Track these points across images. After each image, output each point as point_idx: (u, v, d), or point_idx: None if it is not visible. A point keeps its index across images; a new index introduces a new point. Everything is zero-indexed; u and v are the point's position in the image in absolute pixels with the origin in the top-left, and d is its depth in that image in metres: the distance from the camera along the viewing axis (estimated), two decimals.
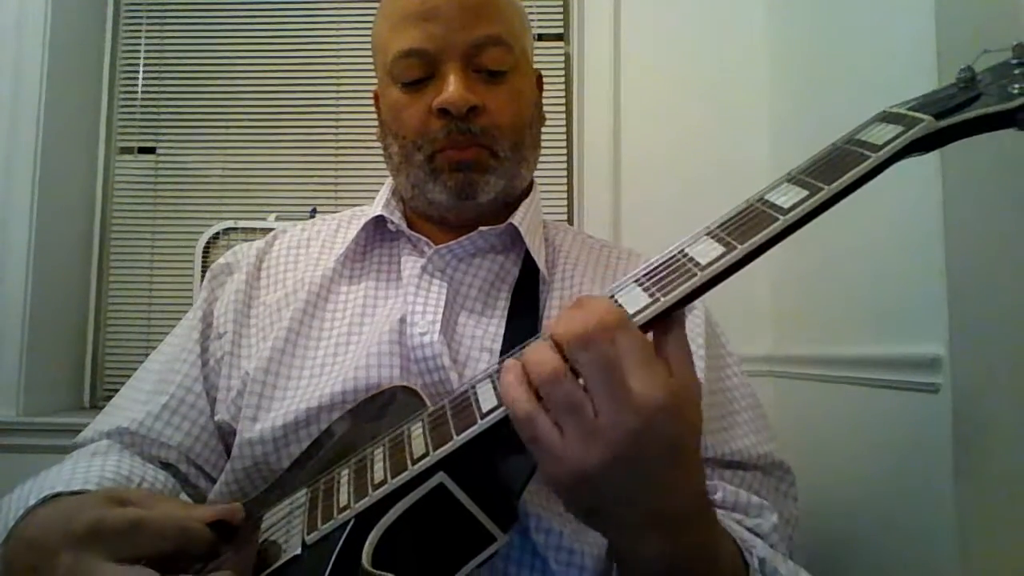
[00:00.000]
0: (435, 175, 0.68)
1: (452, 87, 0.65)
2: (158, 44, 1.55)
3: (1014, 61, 0.44)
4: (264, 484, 0.61)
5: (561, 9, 1.49)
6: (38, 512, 0.50)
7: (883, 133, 0.44)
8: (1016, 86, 0.43)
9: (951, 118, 0.43)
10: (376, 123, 0.78)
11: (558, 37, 1.49)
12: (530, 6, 1.47)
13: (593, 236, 0.83)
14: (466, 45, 0.67)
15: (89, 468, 0.59)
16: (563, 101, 1.47)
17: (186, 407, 0.68)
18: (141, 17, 1.56)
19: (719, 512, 0.56)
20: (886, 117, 0.46)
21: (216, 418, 0.68)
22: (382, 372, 0.62)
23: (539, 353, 0.41)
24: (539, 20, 1.49)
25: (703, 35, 1.37)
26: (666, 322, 0.42)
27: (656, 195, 1.34)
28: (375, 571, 0.41)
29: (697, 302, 0.72)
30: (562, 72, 1.48)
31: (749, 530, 0.58)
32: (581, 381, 0.40)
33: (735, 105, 1.34)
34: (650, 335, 0.43)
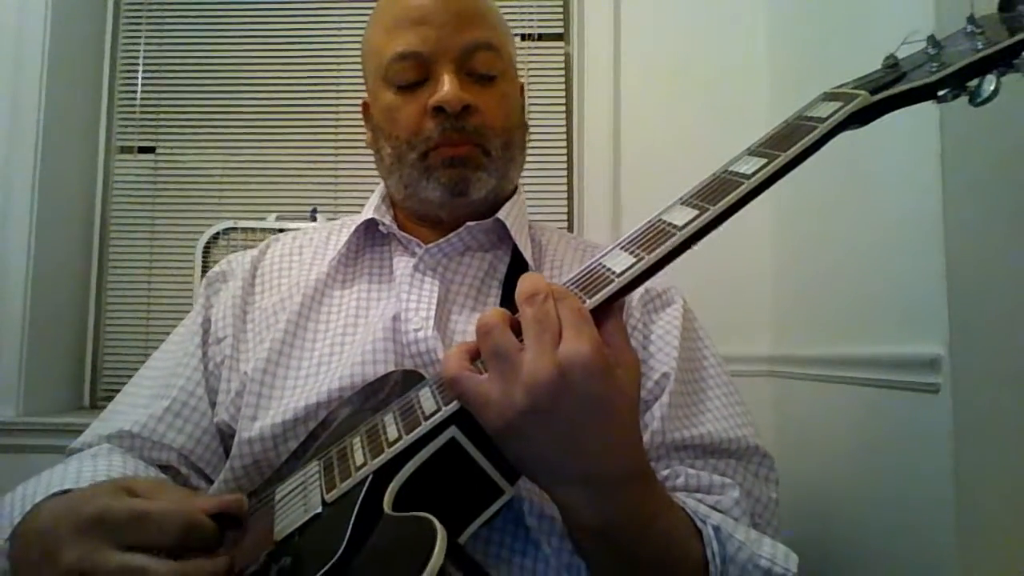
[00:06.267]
0: (428, 172, 0.70)
1: (447, 86, 0.68)
2: (158, 44, 1.56)
3: (930, 50, 0.53)
4: (263, 480, 0.62)
5: (561, 9, 1.49)
6: (45, 505, 0.50)
7: (826, 108, 0.51)
8: (932, 66, 0.52)
9: (883, 93, 0.51)
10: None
11: (558, 37, 1.48)
12: (530, 6, 1.47)
13: (577, 237, 0.85)
14: (459, 48, 0.69)
15: (96, 468, 0.60)
16: (563, 101, 1.45)
17: (188, 410, 0.69)
18: (141, 17, 1.56)
19: (680, 495, 0.58)
20: (827, 96, 0.53)
21: (216, 419, 0.69)
22: (377, 368, 0.64)
23: (487, 312, 0.45)
24: (539, 20, 1.48)
25: (703, 35, 1.37)
26: (607, 308, 0.46)
27: (656, 195, 1.32)
28: (399, 514, 0.44)
29: (676, 296, 0.74)
30: (562, 72, 1.46)
31: (711, 507, 0.59)
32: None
33: (735, 105, 1.34)
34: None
